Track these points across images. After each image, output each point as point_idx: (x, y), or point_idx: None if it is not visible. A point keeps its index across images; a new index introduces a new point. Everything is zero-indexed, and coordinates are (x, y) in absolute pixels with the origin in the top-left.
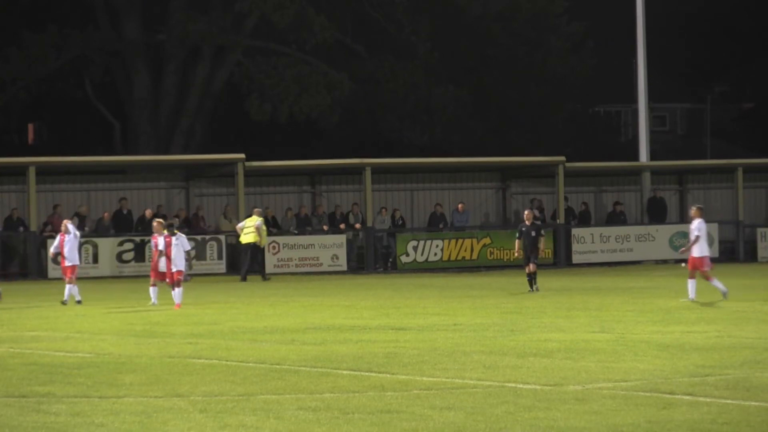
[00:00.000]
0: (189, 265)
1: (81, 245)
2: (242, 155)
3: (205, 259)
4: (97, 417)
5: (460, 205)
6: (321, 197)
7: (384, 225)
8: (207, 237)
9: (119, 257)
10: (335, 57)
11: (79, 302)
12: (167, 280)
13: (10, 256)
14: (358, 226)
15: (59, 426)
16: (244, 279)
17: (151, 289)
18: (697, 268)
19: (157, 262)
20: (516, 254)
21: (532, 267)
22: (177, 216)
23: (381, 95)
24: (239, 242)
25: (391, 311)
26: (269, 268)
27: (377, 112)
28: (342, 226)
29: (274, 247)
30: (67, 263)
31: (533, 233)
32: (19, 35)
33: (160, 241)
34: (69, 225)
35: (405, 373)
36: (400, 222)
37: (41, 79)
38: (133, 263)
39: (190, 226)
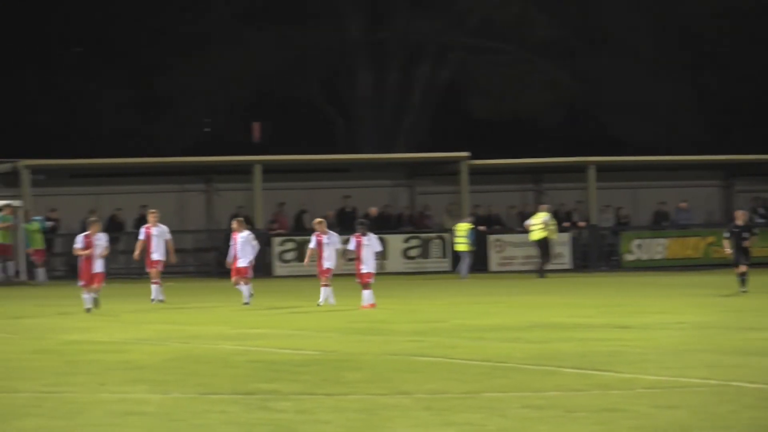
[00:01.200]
0: (378, 265)
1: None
2: (466, 153)
3: (429, 257)
4: (322, 414)
5: (683, 203)
6: (544, 195)
7: (608, 223)
8: (432, 235)
9: (344, 255)
10: (557, 55)
11: (245, 303)
12: (357, 280)
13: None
14: (582, 224)
15: (285, 423)
16: (542, 276)
17: (323, 289)
18: None
19: (320, 260)
20: (726, 253)
21: (742, 268)
22: (366, 215)
23: (603, 93)
24: (531, 240)
25: (615, 309)
26: (493, 266)
27: (599, 110)
28: (566, 224)
29: (497, 245)
30: (238, 263)
31: (744, 234)
32: (244, 34)
33: (324, 239)
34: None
35: (629, 372)
36: (625, 220)
37: (266, 77)
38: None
39: (415, 224)
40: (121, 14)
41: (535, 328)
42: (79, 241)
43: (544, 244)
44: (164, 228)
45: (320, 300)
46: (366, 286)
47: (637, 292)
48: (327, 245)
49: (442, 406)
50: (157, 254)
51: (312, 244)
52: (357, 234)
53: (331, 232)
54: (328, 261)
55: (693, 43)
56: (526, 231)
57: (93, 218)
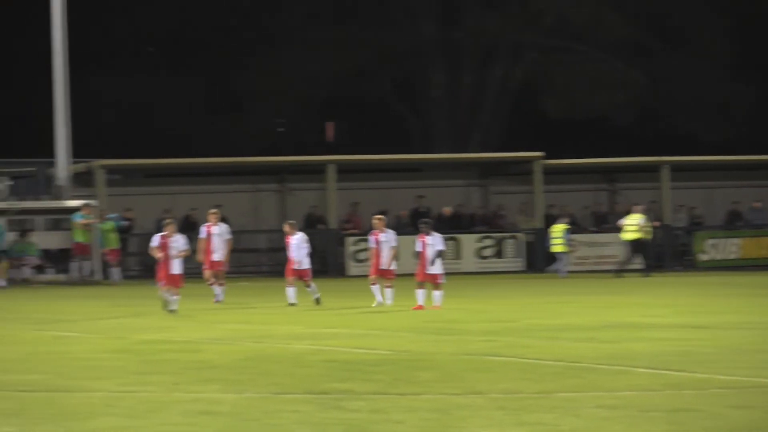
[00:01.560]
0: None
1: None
2: (540, 153)
3: (503, 257)
4: (395, 414)
5: (757, 203)
6: (618, 195)
7: (682, 223)
8: (505, 235)
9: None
10: (631, 55)
11: (316, 298)
12: (418, 278)
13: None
14: (655, 224)
15: (359, 422)
16: (619, 275)
17: (372, 287)
18: None
19: (378, 260)
20: None
21: None
22: (442, 212)
23: (677, 93)
24: (623, 239)
25: (688, 309)
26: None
27: (672, 109)
28: None
29: (571, 245)
30: (296, 266)
31: None
32: (318, 34)
33: (381, 237)
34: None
35: (702, 372)
36: (698, 220)
37: (340, 77)
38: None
39: (488, 224)
40: (195, 13)
41: (608, 327)
42: (155, 240)
43: (636, 245)
44: (225, 227)
45: (386, 300)
46: (437, 286)
47: (710, 291)
48: (384, 243)
49: (515, 406)
50: (217, 255)
51: (371, 243)
52: (421, 234)
53: (389, 230)
54: (388, 261)
55: (766, 40)
56: (600, 231)
57: (169, 219)
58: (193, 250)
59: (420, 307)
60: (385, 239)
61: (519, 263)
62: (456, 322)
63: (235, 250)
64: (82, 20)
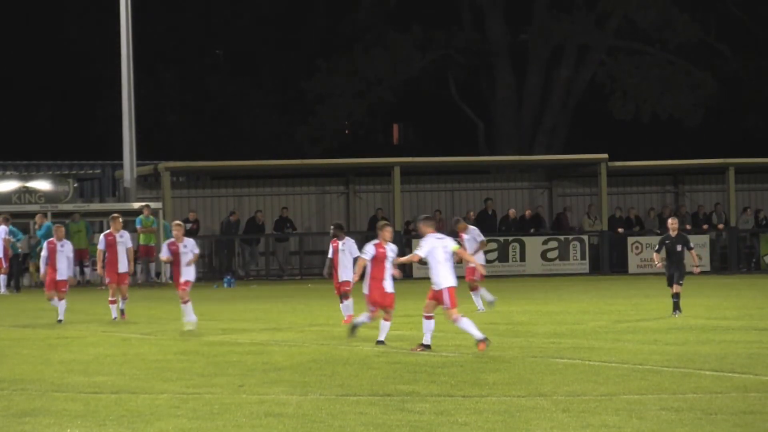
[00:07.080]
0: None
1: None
2: (605, 155)
3: (567, 259)
4: (460, 416)
5: None
6: (683, 197)
7: (747, 225)
8: (570, 237)
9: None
10: (699, 56)
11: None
12: (335, 291)
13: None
14: (720, 226)
15: (423, 424)
16: None
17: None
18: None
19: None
20: (657, 266)
21: (675, 288)
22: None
23: (745, 94)
24: None
25: (755, 312)
26: (632, 268)
27: (741, 111)
28: (705, 226)
29: (636, 247)
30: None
31: (679, 247)
32: (385, 36)
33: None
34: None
35: None
36: (764, 222)
37: (406, 79)
38: (496, 263)
39: (553, 226)
40: (261, 16)
41: (673, 330)
42: (163, 249)
43: None
44: (127, 235)
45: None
46: (345, 296)
47: None
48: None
49: (579, 408)
50: (122, 266)
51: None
52: (333, 239)
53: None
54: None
55: None
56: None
57: (176, 222)
58: (261, 252)
59: (350, 317)
60: (392, 254)
61: (584, 265)
62: (521, 324)
63: (301, 252)
64: (149, 23)
